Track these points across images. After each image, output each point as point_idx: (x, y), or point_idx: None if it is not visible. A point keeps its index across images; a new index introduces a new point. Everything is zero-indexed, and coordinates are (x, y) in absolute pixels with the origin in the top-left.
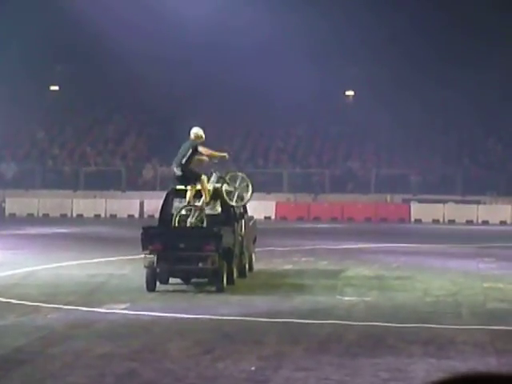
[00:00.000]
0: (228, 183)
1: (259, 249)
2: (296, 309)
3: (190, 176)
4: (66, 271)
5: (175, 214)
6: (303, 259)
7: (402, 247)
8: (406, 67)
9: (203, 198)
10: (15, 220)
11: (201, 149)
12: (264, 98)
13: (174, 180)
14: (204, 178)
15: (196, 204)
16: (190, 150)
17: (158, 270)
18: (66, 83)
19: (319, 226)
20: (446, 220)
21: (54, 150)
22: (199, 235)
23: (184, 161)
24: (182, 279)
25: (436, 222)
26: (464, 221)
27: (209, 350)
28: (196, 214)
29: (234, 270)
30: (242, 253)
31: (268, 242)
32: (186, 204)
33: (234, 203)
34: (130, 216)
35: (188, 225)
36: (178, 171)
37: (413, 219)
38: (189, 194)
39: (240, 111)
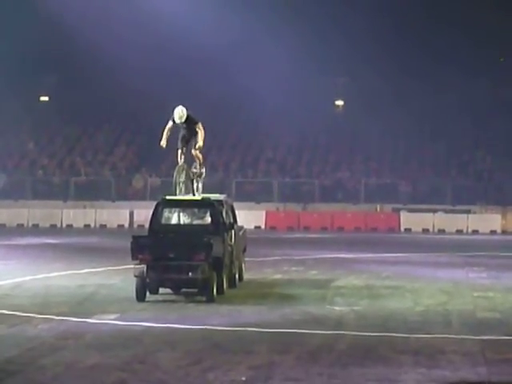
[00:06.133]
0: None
1: (249, 258)
2: (286, 319)
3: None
4: (56, 282)
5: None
6: (293, 269)
7: (392, 257)
8: (395, 77)
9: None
10: (5, 230)
11: (201, 126)
12: (253, 107)
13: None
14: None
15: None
16: (195, 121)
17: (147, 279)
18: (55, 94)
19: (309, 235)
20: (436, 229)
21: (43, 161)
22: (189, 245)
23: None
24: (172, 289)
25: (426, 231)
26: (454, 230)
27: (199, 360)
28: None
29: (224, 280)
30: (231, 262)
31: (258, 251)
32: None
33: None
34: (120, 226)
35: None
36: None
37: (402, 229)
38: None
39: (229, 121)
